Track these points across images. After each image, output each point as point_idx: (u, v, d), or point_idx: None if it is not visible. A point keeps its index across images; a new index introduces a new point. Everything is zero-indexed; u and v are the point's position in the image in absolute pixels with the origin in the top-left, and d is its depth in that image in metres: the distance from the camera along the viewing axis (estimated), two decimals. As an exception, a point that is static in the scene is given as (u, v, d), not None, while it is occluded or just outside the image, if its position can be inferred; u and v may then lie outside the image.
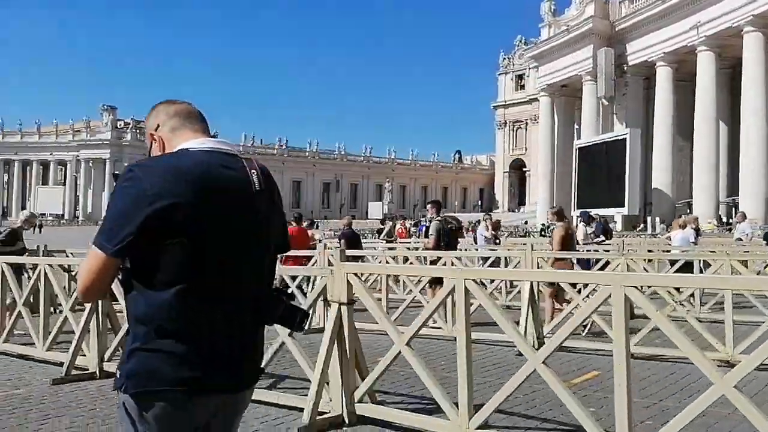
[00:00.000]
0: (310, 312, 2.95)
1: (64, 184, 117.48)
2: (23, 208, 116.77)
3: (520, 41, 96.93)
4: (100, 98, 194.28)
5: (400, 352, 4.93)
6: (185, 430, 2.00)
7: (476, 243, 17.58)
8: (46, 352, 7.68)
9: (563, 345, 8.26)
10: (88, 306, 7.05)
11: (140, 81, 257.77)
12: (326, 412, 5.25)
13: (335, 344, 5.13)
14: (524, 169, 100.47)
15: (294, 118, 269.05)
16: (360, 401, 5.24)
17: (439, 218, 10.58)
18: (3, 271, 8.45)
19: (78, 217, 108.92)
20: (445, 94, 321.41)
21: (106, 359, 7.04)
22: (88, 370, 7.08)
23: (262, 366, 2.24)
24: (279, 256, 2.53)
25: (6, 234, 9.78)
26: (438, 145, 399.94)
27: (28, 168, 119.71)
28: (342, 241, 12.86)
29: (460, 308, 4.58)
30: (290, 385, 6.47)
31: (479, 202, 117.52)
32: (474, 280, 4.57)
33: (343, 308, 5.12)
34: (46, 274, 7.83)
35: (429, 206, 11.25)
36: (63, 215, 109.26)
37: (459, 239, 11.85)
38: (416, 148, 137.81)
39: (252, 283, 2.11)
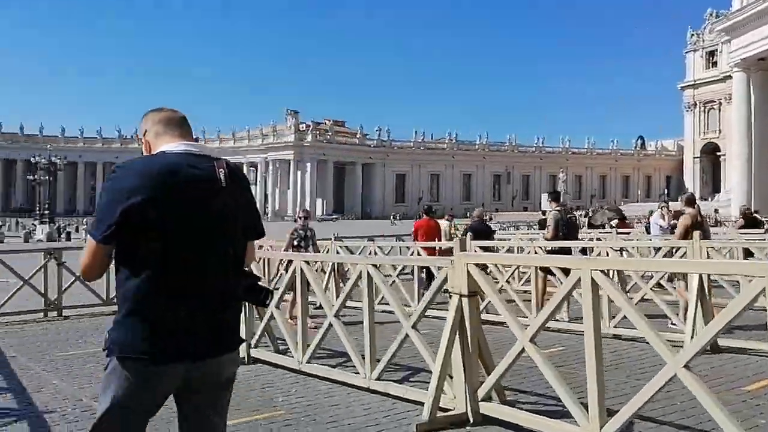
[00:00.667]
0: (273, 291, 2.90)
1: (255, 183, 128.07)
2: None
3: (711, 15, 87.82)
4: (284, 101, 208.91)
5: (523, 348, 4.55)
6: (151, 391, 2.31)
7: (649, 233, 16.16)
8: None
9: (741, 347, 7.32)
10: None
11: (319, 83, 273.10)
12: (450, 409, 5.01)
13: (456, 337, 4.88)
14: (718, 154, 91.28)
15: (462, 112, 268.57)
16: (487, 399, 4.94)
17: (558, 209, 10.19)
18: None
19: (267, 214, 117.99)
20: (624, 77, 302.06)
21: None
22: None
23: (237, 335, 2.50)
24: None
25: None
26: (617, 132, 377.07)
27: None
28: (468, 234, 12.61)
29: (586, 301, 4.09)
30: (425, 378, 6.29)
31: (665, 190, 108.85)
32: (602, 270, 4.05)
33: (464, 300, 4.84)
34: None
35: (547, 197, 11.20)
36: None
37: (626, 228, 11.29)
38: (593, 135, 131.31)
39: (218, 276, 2.35)
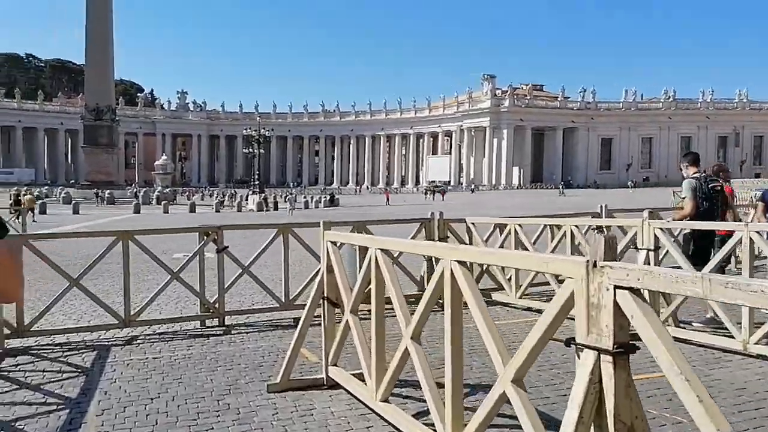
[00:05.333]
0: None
1: (450, 152, 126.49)
2: (417, 177, 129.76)
3: None
4: (482, 68, 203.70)
5: None
6: None
7: None
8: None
9: None
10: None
11: (521, 45, 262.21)
12: None
13: None
14: None
15: (678, 68, 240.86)
16: None
17: (695, 175, 8.17)
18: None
19: (461, 183, 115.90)
20: None
21: None
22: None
23: None
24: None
25: None
26: None
27: (421, 140, 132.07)
28: (760, 205, 10.28)
29: None
30: None
31: None
32: None
33: None
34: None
35: (683, 161, 8.57)
36: (449, 182, 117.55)
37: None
38: None
39: None
